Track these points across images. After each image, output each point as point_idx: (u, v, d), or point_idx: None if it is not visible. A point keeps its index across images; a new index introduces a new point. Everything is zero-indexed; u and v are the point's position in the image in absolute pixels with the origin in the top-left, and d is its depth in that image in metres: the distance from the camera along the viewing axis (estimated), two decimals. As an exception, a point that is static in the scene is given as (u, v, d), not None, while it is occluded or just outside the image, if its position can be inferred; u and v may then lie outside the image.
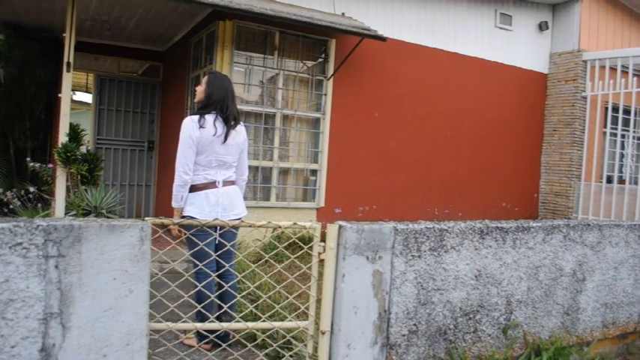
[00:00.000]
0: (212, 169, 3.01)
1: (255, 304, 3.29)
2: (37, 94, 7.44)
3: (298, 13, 5.21)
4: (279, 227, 2.27)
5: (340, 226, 2.29)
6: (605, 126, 7.50)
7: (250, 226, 2.17)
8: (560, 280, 3.09)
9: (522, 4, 7.75)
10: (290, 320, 2.49)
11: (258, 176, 5.73)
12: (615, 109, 7.20)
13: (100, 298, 1.81)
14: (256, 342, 2.93)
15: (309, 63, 6.06)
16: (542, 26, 7.91)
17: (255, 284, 2.51)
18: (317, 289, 2.37)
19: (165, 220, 2.12)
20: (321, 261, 2.32)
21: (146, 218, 1.98)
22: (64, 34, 4.91)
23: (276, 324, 2.40)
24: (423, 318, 2.56)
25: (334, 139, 6.15)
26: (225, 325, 2.24)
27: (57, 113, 5.99)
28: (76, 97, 10.51)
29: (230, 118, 3.03)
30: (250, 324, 2.36)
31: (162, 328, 2.14)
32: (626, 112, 7.46)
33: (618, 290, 3.39)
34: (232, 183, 3.05)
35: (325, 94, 6.05)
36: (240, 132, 3.11)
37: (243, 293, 3.30)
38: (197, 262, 2.54)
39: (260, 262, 3.55)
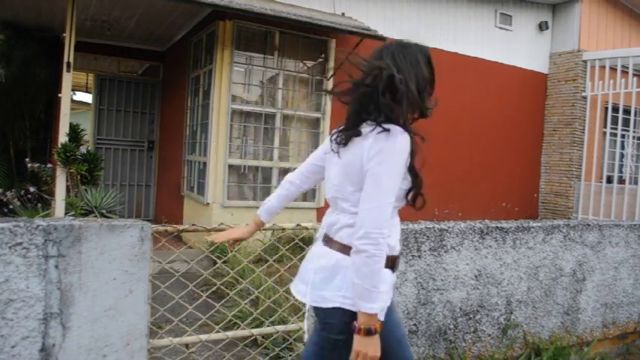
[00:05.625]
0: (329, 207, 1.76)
1: (257, 308, 3.29)
2: (37, 94, 7.44)
3: (298, 13, 5.21)
4: (283, 229, 2.28)
5: (340, 226, 2.29)
6: (605, 126, 7.50)
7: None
8: (560, 280, 3.09)
9: (522, 4, 7.75)
10: (292, 323, 2.49)
11: (258, 176, 5.73)
12: (615, 109, 7.20)
13: (100, 298, 1.81)
14: (257, 344, 2.93)
15: (309, 63, 6.05)
16: (542, 26, 7.91)
17: (259, 288, 2.51)
18: (317, 289, 2.37)
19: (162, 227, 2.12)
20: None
21: (152, 226, 1.97)
22: (64, 34, 4.91)
23: (280, 327, 2.40)
24: (423, 318, 2.56)
25: (334, 139, 6.14)
26: (230, 335, 2.24)
27: (57, 113, 5.99)
28: (76, 97, 10.51)
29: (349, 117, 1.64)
30: (255, 330, 2.36)
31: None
32: (626, 112, 7.46)
33: (618, 290, 3.39)
34: (337, 246, 1.60)
35: (325, 94, 6.05)
36: (358, 146, 1.56)
37: (250, 298, 3.30)
38: None
39: (260, 263, 3.55)
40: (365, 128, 1.54)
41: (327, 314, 1.57)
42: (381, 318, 1.54)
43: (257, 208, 5.99)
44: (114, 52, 7.65)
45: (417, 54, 1.68)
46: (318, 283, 1.60)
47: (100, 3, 5.77)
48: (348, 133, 1.58)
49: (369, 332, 1.45)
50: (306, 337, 1.75)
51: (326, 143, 1.75)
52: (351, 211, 1.56)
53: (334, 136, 1.65)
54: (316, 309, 1.62)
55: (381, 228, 1.45)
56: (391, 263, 1.62)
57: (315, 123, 6.10)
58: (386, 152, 1.48)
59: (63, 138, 4.83)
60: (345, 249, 1.55)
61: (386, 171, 1.47)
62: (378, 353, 1.48)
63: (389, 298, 1.63)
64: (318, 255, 1.66)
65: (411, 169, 1.56)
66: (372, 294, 1.45)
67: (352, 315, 1.51)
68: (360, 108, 1.57)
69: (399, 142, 1.50)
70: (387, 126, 1.50)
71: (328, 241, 1.64)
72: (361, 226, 1.46)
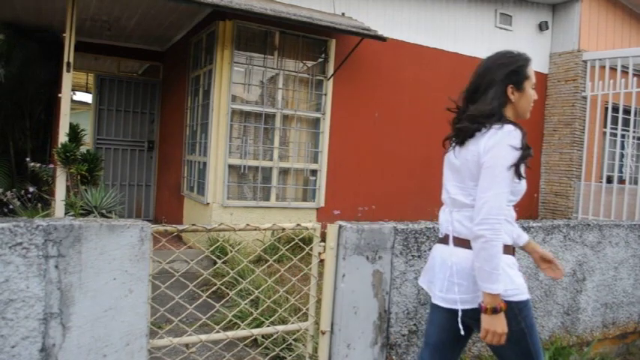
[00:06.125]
0: (442, 208, 1.94)
1: (257, 308, 3.28)
2: (37, 94, 7.44)
3: (298, 13, 5.22)
4: (283, 229, 2.27)
5: (340, 226, 2.29)
6: (605, 126, 7.50)
7: (255, 229, 2.17)
8: (560, 280, 3.09)
9: (522, 4, 7.75)
10: (292, 323, 2.49)
11: (258, 176, 5.73)
12: (615, 109, 7.20)
13: (100, 298, 1.81)
14: (257, 344, 2.93)
15: (309, 63, 6.05)
16: (542, 26, 7.90)
17: (259, 288, 2.51)
18: (317, 289, 2.37)
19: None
20: (322, 261, 2.32)
21: (152, 226, 1.96)
22: (64, 34, 4.91)
23: (280, 327, 2.40)
24: (423, 318, 2.56)
25: (334, 139, 6.14)
26: (230, 335, 2.24)
27: (57, 113, 5.99)
28: (76, 97, 10.50)
29: (460, 121, 1.85)
30: (255, 330, 2.36)
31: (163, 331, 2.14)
32: (626, 112, 7.45)
33: (618, 290, 3.39)
34: (462, 243, 1.76)
35: (325, 94, 6.05)
36: (474, 144, 1.74)
37: (250, 298, 3.30)
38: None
39: (260, 263, 3.55)
40: (479, 129, 1.73)
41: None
42: (524, 297, 1.71)
43: (257, 208, 6.00)
44: (114, 52, 7.65)
45: (503, 61, 1.89)
46: (472, 286, 1.70)
47: (100, 3, 5.76)
48: (463, 134, 1.77)
49: (495, 311, 1.60)
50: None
51: (444, 163, 1.92)
52: (472, 204, 1.71)
53: (450, 140, 1.87)
54: (476, 311, 1.69)
55: (498, 215, 1.60)
56: (512, 250, 1.79)
57: (315, 123, 6.10)
58: (500, 146, 1.65)
59: (63, 138, 4.83)
60: None
61: (500, 163, 1.64)
62: (506, 329, 1.62)
63: (523, 280, 1.76)
64: (451, 262, 1.76)
65: (522, 162, 1.70)
66: (493, 275, 1.59)
67: (518, 304, 1.68)
68: (475, 112, 1.76)
69: (512, 137, 1.66)
70: (500, 124, 1.69)
71: (455, 240, 1.78)
72: (478, 213, 1.62)
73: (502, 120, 1.71)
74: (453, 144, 1.85)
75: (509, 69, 1.80)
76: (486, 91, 1.77)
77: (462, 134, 1.77)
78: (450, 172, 1.85)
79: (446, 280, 1.76)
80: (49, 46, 7.20)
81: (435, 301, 1.82)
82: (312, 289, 2.37)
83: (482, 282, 1.62)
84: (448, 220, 1.82)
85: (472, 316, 1.72)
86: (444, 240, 1.83)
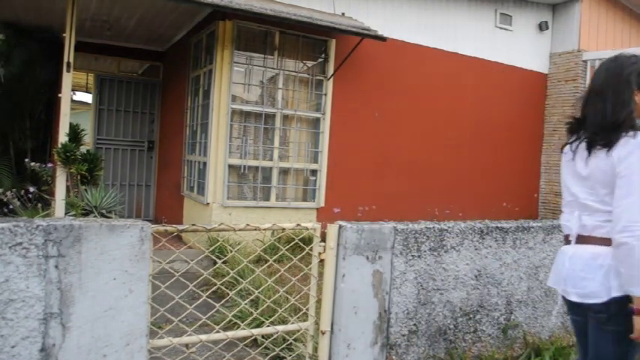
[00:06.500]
0: (567, 211, 2.06)
1: (257, 308, 3.28)
2: (37, 94, 7.44)
3: (298, 13, 5.22)
4: (283, 229, 2.27)
5: (340, 226, 2.30)
6: (605, 126, 7.50)
7: (256, 229, 2.17)
8: (560, 280, 3.09)
9: (522, 4, 7.75)
10: (292, 323, 2.49)
11: (258, 176, 5.73)
12: (615, 109, 7.19)
13: (100, 298, 1.81)
14: (257, 344, 2.93)
15: (309, 63, 6.05)
16: (542, 26, 7.91)
17: (259, 288, 2.51)
18: (317, 289, 2.37)
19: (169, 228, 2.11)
20: (322, 261, 2.32)
21: (152, 226, 1.96)
22: (64, 34, 4.91)
23: (280, 327, 2.40)
24: (423, 318, 2.56)
25: (334, 139, 6.15)
26: (230, 335, 2.24)
27: (57, 113, 5.99)
28: (76, 97, 10.50)
29: (588, 129, 1.90)
30: (255, 330, 2.36)
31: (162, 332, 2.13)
32: (626, 112, 7.45)
33: (618, 290, 3.39)
34: (595, 241, 1.83)
35: (325, 94, 6.05)
36: (607, 153, 1.78)
37: (250, 298, 3.30)
38: None
39: (260, 263, 3.54)
40: (609, 138, 1.77)
41: (610, 306, 1.74)
42: None
43: (257, 208, 6.01)
44: (114, 52, 7.65)
45: (629, 69, 1.86)
46: (601, 279, 1.77)
47: (100, 3, 5.77)
48: (593, 143, 1.83)
49: None
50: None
51: (563, 167, 2.05)
52: (604, 210, 1.79)
53: (574, 148, 1.95)
54: (603, 306, 1.76)
55: (638, 221, 1.65)
56: None
57: (315, 123, 6.10)
58: (635, 155, 1.70)
59: (63, 138, 4.83)
60: (606, 241, 1.77)
61: (636, 171, 1.68)
62: None
63: None
64: (579, 259, 1.86)
65: None
66: None
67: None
68: (603, 119, 1.81)
69: None
70: (633, 132, 1.74)
71: (586, 239, 1.87)
72: (618, 221, 1.68)
73: (634, 127, 1.76)
74: (574, 150, 1.94)
75: (636, 75, 1.83)
76: (613, 99, 1.81)
77: (594, 144, 1.82)
78: (576, 178, 1.95)
79: (572, 277, 1.87)
80: (49, 46, 7.19)
81: (570, 298, 1.89)
82: (312, 289, 2.37)
83: (630, 286, 1.68)
84: (575, 224, 1.92)
85: (599, 311, 1.78)
86: (572, 240, 1.94)
